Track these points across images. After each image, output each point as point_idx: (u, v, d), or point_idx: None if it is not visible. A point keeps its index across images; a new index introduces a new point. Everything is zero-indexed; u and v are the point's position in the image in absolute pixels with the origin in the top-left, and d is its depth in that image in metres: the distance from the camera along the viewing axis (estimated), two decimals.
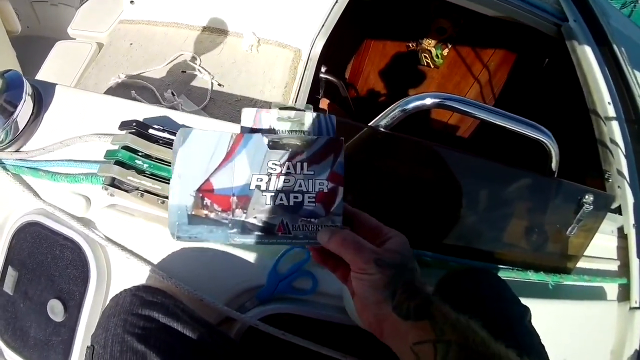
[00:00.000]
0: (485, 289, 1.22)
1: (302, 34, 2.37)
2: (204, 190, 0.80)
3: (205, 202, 0.80)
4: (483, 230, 1.65)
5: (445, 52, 3.63)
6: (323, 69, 2.33)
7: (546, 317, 1.55)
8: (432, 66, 3.69)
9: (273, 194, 0.82)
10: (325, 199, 0.84)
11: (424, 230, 1.53)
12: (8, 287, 1.22)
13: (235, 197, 0.81)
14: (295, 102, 2.07)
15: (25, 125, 1.29)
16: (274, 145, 0.83)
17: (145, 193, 1.15)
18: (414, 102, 1.34)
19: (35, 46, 2.65)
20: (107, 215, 1.21)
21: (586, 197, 1.58)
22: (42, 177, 1.25)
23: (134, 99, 2.09)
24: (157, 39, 2.48)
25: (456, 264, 1.45)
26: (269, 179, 0.82)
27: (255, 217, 0.81)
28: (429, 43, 3.59)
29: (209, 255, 1.15)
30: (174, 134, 1.22)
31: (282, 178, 0.82)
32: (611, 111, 2.16)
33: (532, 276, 1.59)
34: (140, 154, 1.18)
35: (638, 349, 1.69)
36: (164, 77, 2.29)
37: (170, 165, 1.02)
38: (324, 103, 2.63)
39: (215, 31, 2.48)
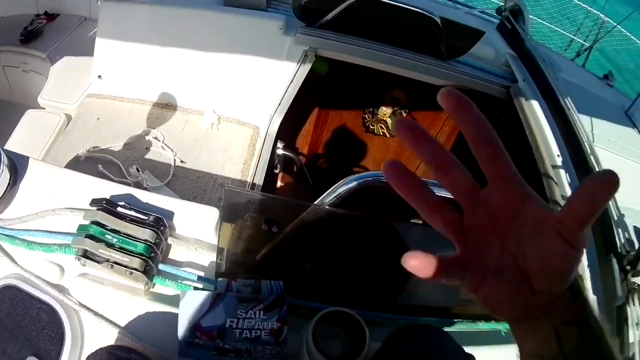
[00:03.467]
0: (426, 343, 1.27)
1: (260, 112, 2.49)
2: (196, 328, 1.24)
3: (196, 334, 1.23)
4: (431, 288, 1.71)
5: None
6: (280, 145, 2.44)
7: None
8: (389, 135, 3.84)
9: (240, 330, 1.26)
10: (275, 334, 1.27)
11: (373, 294, 1.61)
12: None
13: (215, 332, 1.24)
14: (254, 178, 2.17)
15: (2, 194, 1.38)
16: (241, 300, 1.29)
17: (115, 265, 1.25)
18: (355, 182, 1.46)
19: (5, 111, 2.74)
20: (79, 283, 1.31)
21: None
22: (18, 245, 1.33)
23: (101, 173, 2.19)
24: (124, 114, 2.59)
25: (405, 322, 1.53)
26: (238, 321, 1.27)
27: (229, 345, 1.24)
28: (384, 113, 3.75)
29: (173, 320, 1.25)
30: (139, 211, 1.36)
31: (246, 320, 1.27)
32: (559, 162, 2.26)
33: (482, 326, 1.65)
34: (109, 228, 1.29)
35: None
36: (130, 153, 2.38)
37: (136, 240, 1.28)
38: (282, 178, 2.74)
39: (178, 109, 2.61)
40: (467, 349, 1.40)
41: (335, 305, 1.32)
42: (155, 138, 2.45)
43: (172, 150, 2.39)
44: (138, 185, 1.89)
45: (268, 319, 1.29)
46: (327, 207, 1.47)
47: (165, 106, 2.62)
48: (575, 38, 8.82)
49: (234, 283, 1.33)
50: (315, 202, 1.45)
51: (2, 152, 1.39)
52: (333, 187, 1.48)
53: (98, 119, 2.56)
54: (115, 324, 1.27)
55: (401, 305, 1.66)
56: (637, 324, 1.79)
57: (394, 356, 1.23)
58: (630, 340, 1.76)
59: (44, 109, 2.76)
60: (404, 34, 2.73)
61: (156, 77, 2.62)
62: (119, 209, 1.36)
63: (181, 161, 2.37)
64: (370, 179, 1.48)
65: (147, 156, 2.40)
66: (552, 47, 6.98)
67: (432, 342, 1.28)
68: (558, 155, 2.30)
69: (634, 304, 1.82)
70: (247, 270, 1.43)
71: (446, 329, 1.52)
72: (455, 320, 1.65)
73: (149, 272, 1.29)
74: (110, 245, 1.28)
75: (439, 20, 2.57)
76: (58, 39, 3.10)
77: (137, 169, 2.22)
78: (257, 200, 1.41)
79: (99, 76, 2.69)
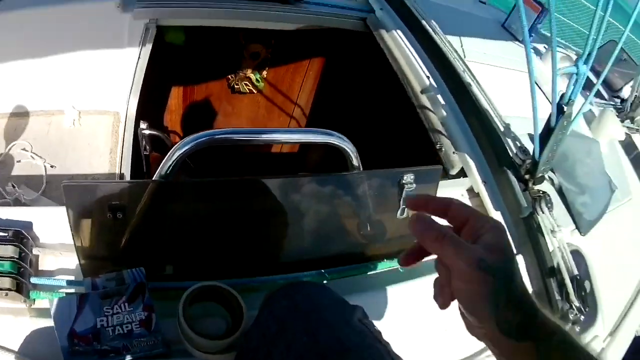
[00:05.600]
0: (301, 302, 1.22)
1: (116, 97, 2.50)
2: (71, 334, 1.26)
3: (74, 341, 1.25)
4: (311, 240, 1.75)
5: (264, 74, 3.80)
6: (144, 125, 2.46)
7: (411, 299, 1.66)
8: (256, 91, 3.86)
9: (112, 327, 1.29)
10: (145, 324, 1.31)
11: (245, 258, 1.64)
12: None
13: (91, 335, 1.27)
14: (121, 166, 2.21)
15: None
16: (104, 296, 1.32)
17: None
18: (188, 145, 1.45)
19: None
20: None
21: (405, 177, 1.65)
22: None
23: None
24: None
25: (284, 282, 1.53)
26: (107, 319, 1.30)
27: (106, 345, 1.27)
28: (247, 70, 3.74)
29: None
30: (3, 230, 1.41)
31: (115, 316, 1.30)
32: (431, 83, 2.29)
33: (374, 266, 1.70)
34: None
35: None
36: (2, 171, 2.36)
37: (3, 260, 1.32)
38: (154, 160, 2.74)
39: (39, 114, 2.57)
40: (363, 296, 1.54)
41: (209, 279, 1.39)
42: (24, 149, 2.43)
43: (40, 158, 2.39)
44: (17, 201, 1.93)
45: (134, 310, 1.32)
46: (164, 180, 1.48)
47: (27, 114, 2.56)
48: None
49: (98, 280, 1.36)
50: (154, 176, 1.48)
51: None
52: (167, 156, 1.47)
53: None
54: (6, 349, 1.29)
55: (280, 264, 1.69)
56: (551, 231, 1.85)
57: (264, 326, 1.22)
58: (550, 248, 1.81)
59: None
60: None
61: (9, 87, 2.60)
62: None
63: (51, 166, 2.38)
64: (203, 139, 1.47)
65: (20, 170, 2.38)
66: None
67: (308, 302, 1.24)
68: (427, 76, 2.34)
69: (542, 212, 1.88)
70: (110, 263, 1.46)
71: (332, 281, 1.64)
72: (342, 268, 1.69)
73: (23, 288, 1.33)
74: None
75: None
76: None
77: (13, 185, 2.20)
78: (96, 189, 1.43)
79: None
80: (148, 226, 1.51)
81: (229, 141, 1.52)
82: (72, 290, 1.39)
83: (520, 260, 1.82)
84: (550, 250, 1.80)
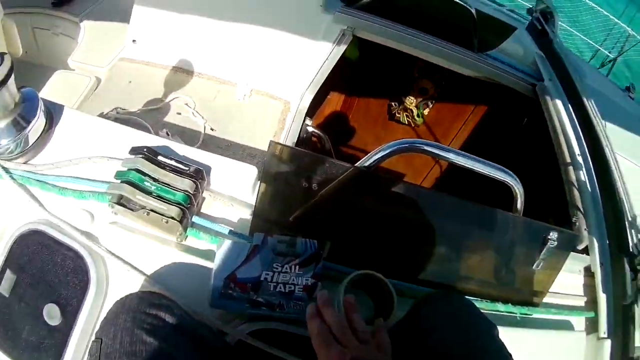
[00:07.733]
0: (458, 309, 1.29)
1: (292, 87, 2.47)
2: (231, 279, 1.25)
3: (230, 285, 1.25)
4: (455, 263, 1.73)
5: (426, 112, 3.74)
6: (309, 122, 2.42)
7: (515, 346, 1.56)
8: (413, 125, 3.80)
9: (275, 284, 1.27)
10: (309, 290, 1.29)
11: (399, 262, 1.60)
12: (4, 289, 1.26)
13: (250, 284, 1.26)
14: None
15: (36, 140, 1.37)
16: (278, 254, 1.30)
17: (151, 212, 1.24)
18: (393, 147, 1.46)
19: (31, 73, 2.71)
20: (109, 230, 1.29)
21: (551, 234, 1.64)
22: (49, 190, 1.31)
23: None
24: (155, 79, 2.57)
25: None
26: (273, 274, 1.28)
27: (262, 298, 1.26)
28: (411, 102, 3.71)
29: (204, 272, 1.25)
30: (180, 162, 1.35)
31: (281, 275, 1.29)
32: (580, 161, 2.23)
33: (500, 307, 1.66)
34: (148, 177, 1.28)
35: None
36: (159, 117, 2.38)
37: (175, 189, 1.25)
38: None
39: (211, 78, 2.59)
40: None
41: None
42: (187, 104, 2.43)
43: (202, 118, 2.38)
44: None
45: (303, 275, 1.30)
46: (367, 169, 1.47)
47: (198, 75, 2.60)
48: (600, 49, 8.89)
49: (269, 238, 1.33)
50: (356, 164, 1.46)
51: (39, 97, 1.38)
52: (370, 154, 1.48)
53: (129, 82, 2.54)
54: (142, 273, 1.25)
55: (424, 278, 1.64)
56: None
57: (421, 318, 1.27)
58: (637, 343, 1.76)
59: (74, 70, 2.74)
60: (439, 22, 2.72)
61: (191, 45, 2.62)
62: (159, 157, 1.36)
63: (211, 129, 2.36)
64: (405, 145, 1.50)
65: (177, 121, 2.38)
66: (578, 54, 6.96)
67: (461, 309, 1.29)
68: (578, 154, 2.27)
69: None
70: (282, 227, 1.43)
71: None
72: (475, 298, 1.65)
73: (183, 222, 1.28)
74: (148, 193, 1.28)
75: (474, 12, 2.58)
76: (91, 4, 3.06)
77: (167, 132, 2.19)
78: (300, 157, 1.46)
79: (134, 40, 2.67)
80: (336, 207, 1.51)
81: (425, 152, 1.53)
82: (231, 240, 1.32)
83: (607, 344, 1.77)
84: (637, 345, 1.75)
